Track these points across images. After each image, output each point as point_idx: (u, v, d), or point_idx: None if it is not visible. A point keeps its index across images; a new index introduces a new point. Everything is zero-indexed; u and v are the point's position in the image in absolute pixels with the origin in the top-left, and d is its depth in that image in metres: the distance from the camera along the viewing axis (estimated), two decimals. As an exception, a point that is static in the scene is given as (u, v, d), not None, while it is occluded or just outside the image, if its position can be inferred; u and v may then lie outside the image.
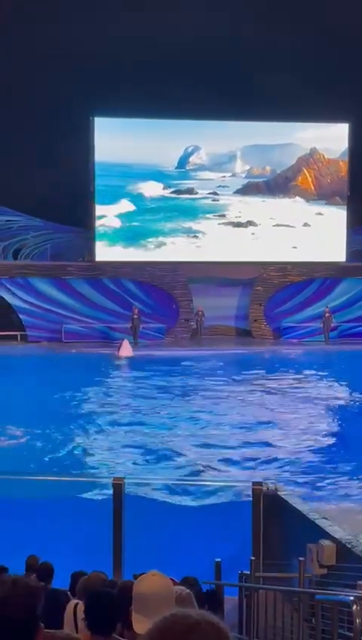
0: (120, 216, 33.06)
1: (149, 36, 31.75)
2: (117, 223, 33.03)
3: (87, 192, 32.53)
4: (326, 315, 32.51)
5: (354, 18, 31.88)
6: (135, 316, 31.71)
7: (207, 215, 33.70)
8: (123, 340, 29.77)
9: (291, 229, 33.83)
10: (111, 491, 9.79)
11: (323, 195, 34.46)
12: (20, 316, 32.42)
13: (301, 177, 34.51)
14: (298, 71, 31.86)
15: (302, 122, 33.74)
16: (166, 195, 33.57)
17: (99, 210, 32.86)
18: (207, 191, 33.89)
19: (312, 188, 34.56)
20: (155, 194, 33.41)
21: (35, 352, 29.74)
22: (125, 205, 33.10)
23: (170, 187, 33.67)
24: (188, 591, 3.82)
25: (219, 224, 33.67)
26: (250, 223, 33.81)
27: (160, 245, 33.24)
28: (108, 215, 32.99)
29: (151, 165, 33.14)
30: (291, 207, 34.14)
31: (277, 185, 34.45)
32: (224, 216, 33.79)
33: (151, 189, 33.38)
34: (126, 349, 29.10)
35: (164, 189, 33.50)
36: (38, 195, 31.37)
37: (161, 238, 33.29)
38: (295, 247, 33.61)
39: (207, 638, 1.76)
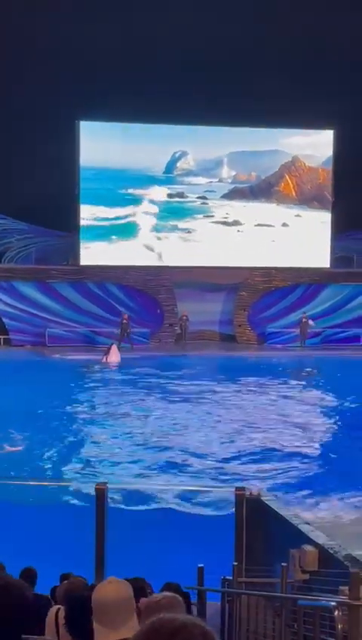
0: (102, 219, 33.00)
1: (137, 40, 31.82)
2: (101, 226, 32.98)
3: (72, 195, 32.48)
4: (304, 320, 32.68)
5: (341, 26, 32.08)
6: (124, 321, 31.70)
7: (196, 215, 33.73)
8: (112, 344, 29.65)
9: (274, 234, 34.01)
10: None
11: (304, 201, 34.63)
12: (4, 320, 32.31)
13: (283, 183, 34.68)
14: (285, 78, 31.97)
15: (288, 129, 33.90)
16: (154, 198, 33.59)
17: (83, 213, 32.81)
18: (195, 195, 33.92)
19: (294, 194, 34.73)
20: (135, 195, 33.42)
21: (18, 356, 29.64)
22: (109, 208, 33.08)
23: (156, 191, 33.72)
24: (178, 597, 3.79)
25: (210, 222, 33.72)
26: (236, 223, 33.96)
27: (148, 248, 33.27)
28: (90, 219, 32.91)
29: (138, 170, 33.14)
30: (274, 211, 34.30)
31: (260, 190, 34.58)
32: (213, 216, 33.88)
33: (136, 191, 33.40)
34: (114, 355, 28.99)
35: (143, 191, 33.51)
36: (22, 198, 31.28)
37: (148, 241, 33.33)
38: (276, 248, 33.70)
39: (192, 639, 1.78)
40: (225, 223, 34.01)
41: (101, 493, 9.62)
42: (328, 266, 34.30)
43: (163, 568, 8.68)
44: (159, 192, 33.66)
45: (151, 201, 33.59)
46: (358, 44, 32.05)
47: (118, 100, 30.48)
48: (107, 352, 29.02)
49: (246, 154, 34.22)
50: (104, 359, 28.85)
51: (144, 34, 31.75)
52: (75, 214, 32.75)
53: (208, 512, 12.21)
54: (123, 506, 11.86)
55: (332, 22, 31.88)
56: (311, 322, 32.75)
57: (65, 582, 6.52)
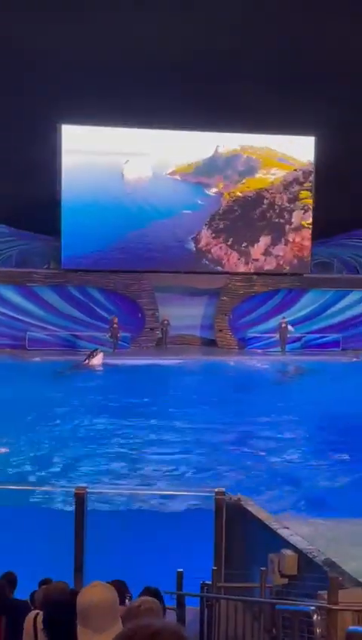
0: (84, 223, 32.87)
1: (120, 45, 31.85)
2: (83, 230, 32.85)
3: (53, 199, 32.37)
4: (283, 325, 32.80)
5: (323, 34, 32.31)
6: (115, 325, 31.71)
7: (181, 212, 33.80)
8: (97, 350, 29.56)
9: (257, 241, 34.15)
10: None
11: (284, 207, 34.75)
12: (-17, 323, 32.14)
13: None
14: (268, 84, 32.16)
15: (269, 134, 33.99)
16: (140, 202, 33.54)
17: (65, 216, 32.70)
18: (179, 198, 33.86)
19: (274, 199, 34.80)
20: (126, 200, 33.34)
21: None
22: (90, 212, 32.96)
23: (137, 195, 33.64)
24: (157, 602, 3.79)
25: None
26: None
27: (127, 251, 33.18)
28: (73, 222, 32.79)
29: (120, 174, 33.11)
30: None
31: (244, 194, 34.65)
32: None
33: (123, 196, 33.31)
34: (98, 359, 28.96)
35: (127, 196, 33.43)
36: (3, 201, 31.17)
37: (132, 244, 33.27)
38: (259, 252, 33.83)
39: None
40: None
41: (80, 498, 9.59)
42: (308, 271, 34.51)
43: (142, 572, 8.66)
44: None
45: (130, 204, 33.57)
46: (340, 55, 32.30)
47: (100, 105, 30.48)
48: (90, 356, 28.93)
49: (228, 157, 34.23)
50: (86, 361, 28.81)
51: (128, 40, 31.78)
52: (56, 217, 32.62)
53: (188, 516, 12.20)
54: (102, 510, 11.83)
55: (314, 30, 32.10)
56: (290, 327, 32.88)
57: (44, 586, 6.49)
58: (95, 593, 3.17)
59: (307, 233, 34.64)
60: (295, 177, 34.62)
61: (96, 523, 9.84)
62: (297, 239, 34.64)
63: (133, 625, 1.83)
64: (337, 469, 15.88)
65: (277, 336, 33.03)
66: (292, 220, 34.62)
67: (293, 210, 34.62)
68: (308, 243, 34.68)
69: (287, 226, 34.59)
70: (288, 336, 32.87)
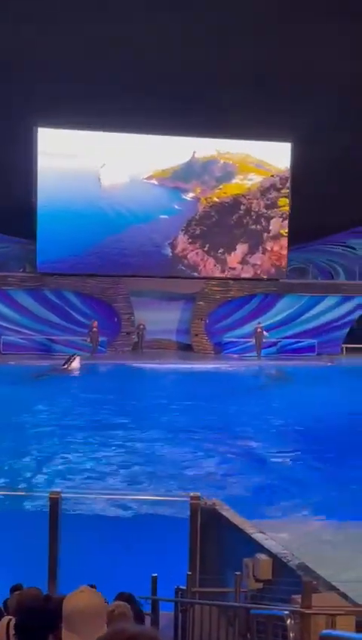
0: (60, 226, 32.75)
1: (97, 49, 31.82)
2: (59, 233, 32.72)
3: (29, 202, 32.23)
4: (258, 330, 32.92)
5: (301, 41, 32.53)
6: (94, 329, 31.66)
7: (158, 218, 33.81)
8: (75, 355, 29.46)
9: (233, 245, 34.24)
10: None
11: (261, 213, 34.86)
12: None
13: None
14: (244, 90, 32.31)
15: (246, 140, 34.12)
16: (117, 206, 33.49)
17: (40, 219, 32.57)
18: (155, 203, 33.85)
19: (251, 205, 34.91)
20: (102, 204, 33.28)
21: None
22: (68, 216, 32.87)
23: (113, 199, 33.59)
24: (128, 606, 3.79)
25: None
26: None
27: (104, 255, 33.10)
28: (49, 225, 32.66)
29: (96, 178, 33.05)
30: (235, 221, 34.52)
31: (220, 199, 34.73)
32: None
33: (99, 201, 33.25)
34: (75, 364, 28.87)
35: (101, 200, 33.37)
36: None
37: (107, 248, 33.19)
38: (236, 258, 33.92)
39: None
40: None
41: (54, 502, 9.54)
42: (284, 276, 34.67)
43: (116, 578, 8.63)
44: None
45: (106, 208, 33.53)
46: (317, 61, 32.54)
47: (78, 108, 30.43)
48: (69, 361, 28.79)
49: (205, 162, 34.31)
50: (65, 366, 28.67)
51: (106, 43, 31.76)
52: (32, 221, 32.49)
53: (163, 521, 12.18)
54: (75, 514, 11.76)
55: (293, 38, 32.32)
56: (265, 332, 33.04)
57: (17, 593, 6.44)
58: (83, 598, 3.17)
59: (285, 242, 34.75)
60: (272, 183, 34.75)
61: (69, 527, 9.79)
62: (276, 248, 34.66)
63: (109, 630, 1.84)
64: (313, 473, 15.93)
65: (252, 341, 33.15)
66: (271, 227, 34.69)
67: (271, 218, 34.71)
68: (286, 252, 34.82)
69: (265, 234, 34.65)
70: (263, 341, 33.00)
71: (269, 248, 34.64)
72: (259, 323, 33.34)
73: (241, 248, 34.48)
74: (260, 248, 34.56)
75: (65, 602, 3.24)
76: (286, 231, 34.64)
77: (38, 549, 9.53)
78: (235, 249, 34.40)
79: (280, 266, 34.76)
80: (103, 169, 33.10)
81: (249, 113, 31.32)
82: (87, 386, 26.49)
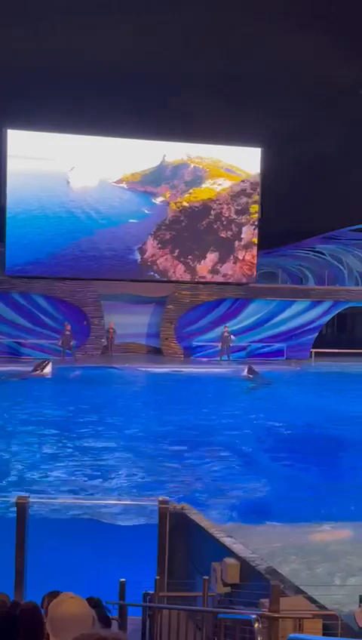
0: (30, 229, 32.57)
1: (68, 53, 31.75)
2: (28, 236, 32.54)
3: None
4: (225, 334, 33.09)
5: (270, 47, 32.76)
6: (67, 332, 31.51)
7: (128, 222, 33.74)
8: (47, 361, 29.23)
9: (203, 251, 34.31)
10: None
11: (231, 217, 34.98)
12: None
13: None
14: (215, 95, 32.47)
15: (216, 145, 34.24)
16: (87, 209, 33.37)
17: (9, 222, 32.35)
18: (125, 206, 33.79)
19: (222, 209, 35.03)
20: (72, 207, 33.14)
21: None
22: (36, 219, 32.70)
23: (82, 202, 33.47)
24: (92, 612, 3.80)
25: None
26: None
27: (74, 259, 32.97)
28: (18, 228, 32.46)
29: (65, 181, 32.91)
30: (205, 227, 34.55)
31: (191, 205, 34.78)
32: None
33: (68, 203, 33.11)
34: (47, 369, 28.69)
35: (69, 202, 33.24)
36: None
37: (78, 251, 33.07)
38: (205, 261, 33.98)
39: None
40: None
41: (22, 507, 9.46)
42: (254, 281, 34.81)
43: (84, 583, 8.57)
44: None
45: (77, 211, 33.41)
46: (286, 68, 32.79)
47: (49, 110, 30.35)
48: (40, 367, 28.55)
49: (175, 166, 34.33)
50: (36, 372, 28.42)
51: (79, 48, 31.72)
52: (0, 223, 32.26)
53: (131, 525, 12.13)
54: (43, 519, 11.68)
55: (263, 45, 32.53)
56: (232, 337, 33.22)
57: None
58: (72, 605, 3.25)
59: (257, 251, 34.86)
60: (242, 188, 34.85)
61: (37, 533, 9.71)
62: (247, 257, 34.68)
63: (79, 635, 1.86)
64: (283, 477, 15.99)
65: (219, 345, 33.30)
66: (242, 236, 34.74)
67: (242, 225, 34.73)
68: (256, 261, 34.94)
69: (237, 242, 34.68)
70: (230, 344, 33.14)
71: (241, 257, 34.64)
72: (226, 327, 33.51)
73: (211, 257, 34.43)
74: (231, 257, 34.56)
75: (53, 608, 3.31)
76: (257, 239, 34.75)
77: (3, 555, 9.44)
78: (205, 257, 34.37)
79: (252, 275, 34.83)
80: (73, 172, 32.97)
81: (219, 118, 31.51)
82: (51, 392, 26.23)
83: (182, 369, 30.53)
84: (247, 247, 34.62)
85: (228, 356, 33.03)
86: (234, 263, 34.58)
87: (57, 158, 32.51)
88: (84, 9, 32.89)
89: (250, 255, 34.66)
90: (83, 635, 1.88)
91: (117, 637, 1.87)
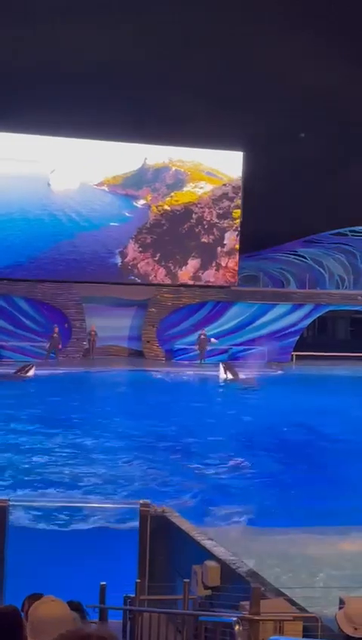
0: (10, 231, 32.42)
1: (48, 53, 31.67)
2: (9, 238, 32.39)
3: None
4: (202, 337, 33.22)
5: (252, 51, 32.86)
6: (54, 335, 31.46)
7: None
8: (30, 364, 29.10)
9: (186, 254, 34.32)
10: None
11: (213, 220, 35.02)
12: None
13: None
14: (196, 98, 32.52)
15: (198, 148, 34.25)
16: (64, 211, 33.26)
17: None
18: (106, 209, 33.70)
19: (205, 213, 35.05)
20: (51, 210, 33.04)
21: None
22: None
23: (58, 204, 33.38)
24: (75, 614, 3.81)
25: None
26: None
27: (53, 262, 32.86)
28: None
29: (46, 184, 32.82)
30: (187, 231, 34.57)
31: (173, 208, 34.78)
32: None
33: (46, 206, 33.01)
34: (30, 372, 28.58)
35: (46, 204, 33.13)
36: None
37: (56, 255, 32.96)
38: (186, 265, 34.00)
39: None
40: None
41: (2, 510, 9.41)
42: (235, 284, 34.87)
43: (64, 586, 8.53)
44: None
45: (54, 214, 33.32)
46: (268, 71, 32.90)
47: (29, 112, 30.23)
48: (23, 370, 28.44)
49: (158, 169, 34.33)
50: (18, 374, 28.30)
51: (61, 50, 31.67)
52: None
53: (113, 528, 12.11)
54: (25, 522, 11.63)
55: (246, 48, 32.64)
56: (213, 340, 33.32)
57: None
58: (52, 608, 3.24)
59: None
60: (224, 192, 34.90)
61: (16, 536, 9.67)
62: (230, 264, 34.71)
63: (65, 631, 1.87)
64: (264, 479, 16.02)
65: (196, 347, 33.39)
66: (225, 242, 34.69)
67: (224, 230, 34.67)
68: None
69: (219, 249, 34.67)
70: (207, 348, 33.25)
71: (223, 264, 34.64)
72: (203, 329, 33.62)
73: (193, 263, 34.41)
74: (213, 264, 34.52)
75: (33, 611, 3.30)
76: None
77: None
78: (187, 264, 34.36)
79: (234, 282, 34.85)
80: (53, 174, 32.89)
81: (201, 121, 31.55)
82: (34, 393, 26.16)
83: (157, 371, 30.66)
84: (230, 254, 34.63)
85: (202, 360, 33.12)
86: (217, 270, 34.55)
87: (38, 160, 32.41)
88: (60, 9, 32.83)
89: (233, 262, 34.68)
90: (69, 632, 1.89)
91: (102, 633, 1.87)
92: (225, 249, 34.56)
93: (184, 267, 34.27)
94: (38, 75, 31.59)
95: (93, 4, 33.09)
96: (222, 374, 29.65)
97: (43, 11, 32.72)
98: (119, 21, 32.84)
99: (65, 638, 1.88)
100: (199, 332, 33.70)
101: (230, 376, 29.37)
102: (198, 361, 33.08)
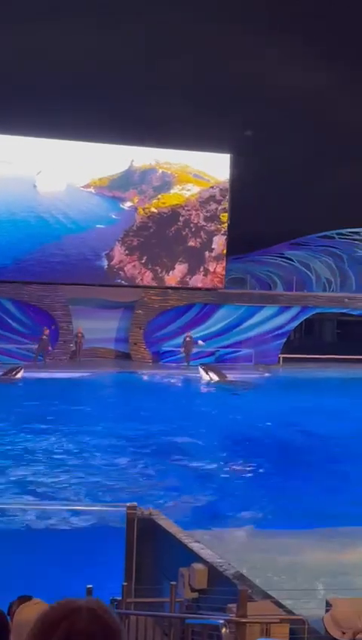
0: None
1: (35, 56, 31.63)
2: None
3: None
4: (187, 339, 33.22)
5: (240, 53, 32.93)
6: (44, 337, 31.36)
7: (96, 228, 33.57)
8: (19, 366, 28.96)
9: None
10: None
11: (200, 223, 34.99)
12: None
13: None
14: (184, 100, 32.56)
15: (185, 150, 34.26)
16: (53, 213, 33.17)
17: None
18: (93, 211, 33.61)
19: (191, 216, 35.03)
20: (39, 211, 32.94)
21: None
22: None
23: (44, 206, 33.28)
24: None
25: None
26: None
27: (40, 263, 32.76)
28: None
29: (32, 185, 32.72)
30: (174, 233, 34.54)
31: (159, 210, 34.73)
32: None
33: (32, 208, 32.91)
34: (20, 374, 28.46)
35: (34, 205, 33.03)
36: None
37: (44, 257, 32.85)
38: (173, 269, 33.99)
39: (79, 623, 1.73)
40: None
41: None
42: (222, 286, 34.88)
43: (50, 589, 8.48)
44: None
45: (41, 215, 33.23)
46: (255, 74, 32.98)
47: (15, 113, 30.17)
48: (11, 372, 28.28)
49: (146, 172, 34.29)
50: (11, 375, 28.13)
51: (50, 52, 31.62)
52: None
53: (99, 531, 12.06)
54: (10, 525, 11.57)
55: (233, 51, 32.69)
56: (200, 342, 33.33)
57: None
58: (36, 610, 3.18)
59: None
60: (211, 194, 34.88)
61: (2, 538, 9.61)
62: (218, 269, 34.65)
63: (54, 604, 1.82)
64: (251, 482, 16.02)
65: (182, 350, 33.38)
66: (213, 246, 34.64)
67: (212, 234, 34.57)
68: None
69: (207, 253, 34.62)
70: (193, 350, 33.25)
71: (211, 269, 34.57)
72: (188, 333, 33.62)
73: (181, 268, 34.32)
74: (201, 269, 34.46)
75: (19, 614, 3.29)
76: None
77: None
78: (174, 268, 34.31)
79: (222, 287, 34.82)
80: (39, 176, 32.79)
81: (188, 123, 31.59)
82: (22, 395, 26.09)
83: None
84: (218, 259, 34.60)
85: (186, 361, 33.12)
86: (205, 275, 34.47)
87: (24, 162, 32.30)
88: (45, 10, 32.81)
89: (221, 267, 34.66)
90: (58, 604, 1.83)
91: (92, 605, 1.81)
92: (213, 254, 34.51)
93: (171, 272, 34.20)
94: (25, 76, 31.54)
95: (81, 7, 33.08)
96: (204, 376, 29.64)
97: (27, 14, 32.70)
98: (106, 24, 32.83)
99: (54, 611, 1.82)
100: (184, 335, 33.68)
101: (215, 377, 29.36)
102: (185, 364, 33.09)
